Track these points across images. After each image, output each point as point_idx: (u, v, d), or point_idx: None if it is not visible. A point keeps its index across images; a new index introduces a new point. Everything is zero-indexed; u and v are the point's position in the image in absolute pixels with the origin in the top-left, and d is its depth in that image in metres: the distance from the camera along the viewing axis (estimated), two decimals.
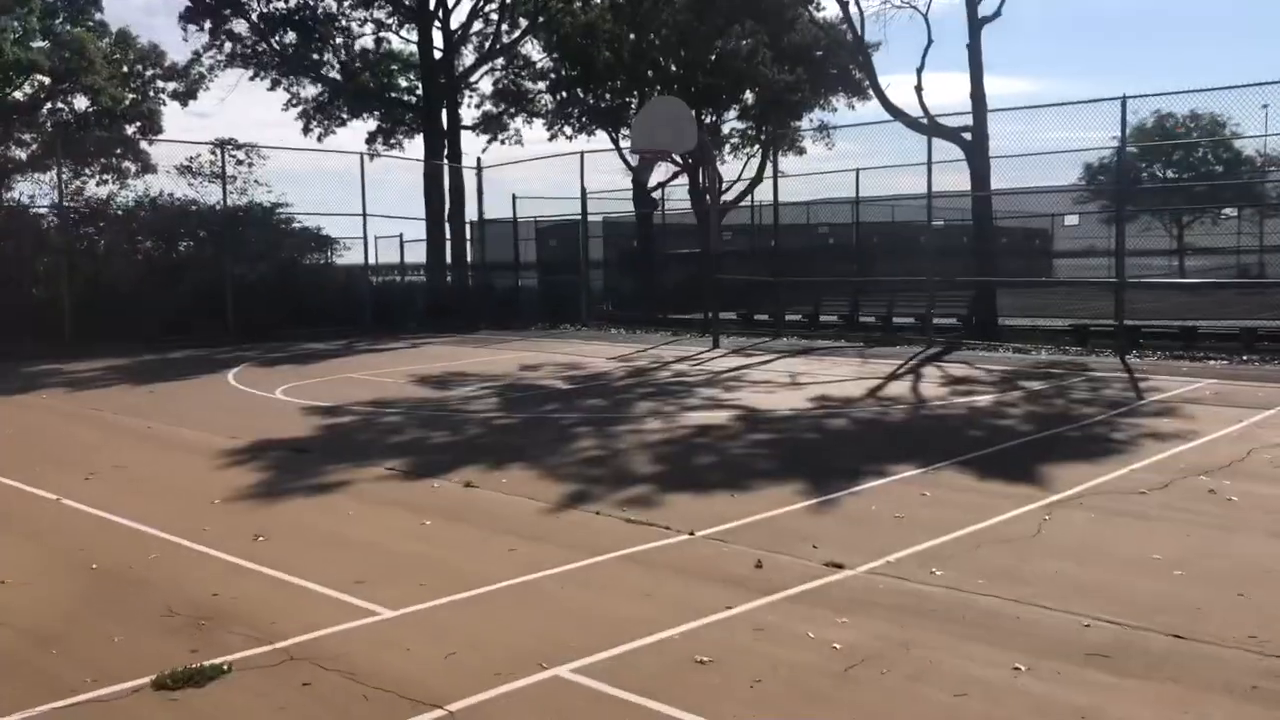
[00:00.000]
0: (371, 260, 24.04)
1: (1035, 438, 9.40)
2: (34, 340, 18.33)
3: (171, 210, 21.41)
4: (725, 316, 20.54)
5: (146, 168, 27.10)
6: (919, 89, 19.34)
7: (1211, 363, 14.47)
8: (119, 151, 27.96)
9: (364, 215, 22.63)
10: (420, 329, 22.54)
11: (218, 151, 21.81)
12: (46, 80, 29.05)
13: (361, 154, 22.94)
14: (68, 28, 29.79)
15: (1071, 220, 23.79)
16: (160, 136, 29.95)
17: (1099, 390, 12.23)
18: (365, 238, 22.99)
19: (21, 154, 28.75)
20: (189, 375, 15.05)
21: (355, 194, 22.68)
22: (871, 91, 20.35)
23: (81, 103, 29.86)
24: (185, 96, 30.55)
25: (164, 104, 30.96)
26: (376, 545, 6.25)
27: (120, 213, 21.32)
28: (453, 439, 9.77)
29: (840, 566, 5.62)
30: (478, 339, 20.77)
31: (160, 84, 30.71)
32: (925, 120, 19.04)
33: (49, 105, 30.45)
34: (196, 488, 7.75)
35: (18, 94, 29.11)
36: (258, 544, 6.24)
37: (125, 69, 30.27)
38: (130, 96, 30.49)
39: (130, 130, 29.77)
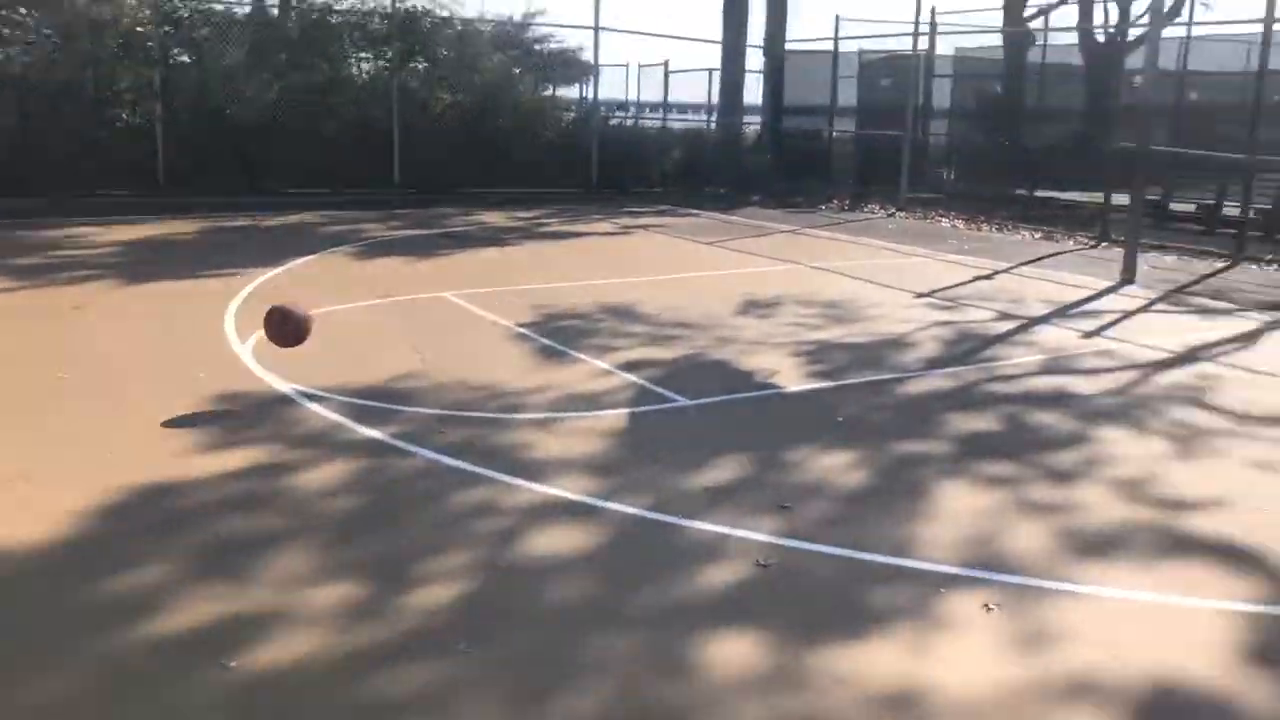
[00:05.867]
0: (622, 97, 17.43)
1: None
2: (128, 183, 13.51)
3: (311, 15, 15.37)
4: (1120, 201, 12.19)
5: None
6: None
7: None
8: None
9: (595, 29, 15.78)
10: (662, 198, 15.83)
11: None
12: None
13: None
14: None
15: None
16: None
17: None
18: (595, 65, 16.26)
19: None
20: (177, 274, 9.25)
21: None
22: None
23: None
24: None
25: None
26: None
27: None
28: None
29: None
30: (728, 223, 13.73)
31: None
32: None
33: None
34: None
35: None
36: None
37: None
38: None
39: None
